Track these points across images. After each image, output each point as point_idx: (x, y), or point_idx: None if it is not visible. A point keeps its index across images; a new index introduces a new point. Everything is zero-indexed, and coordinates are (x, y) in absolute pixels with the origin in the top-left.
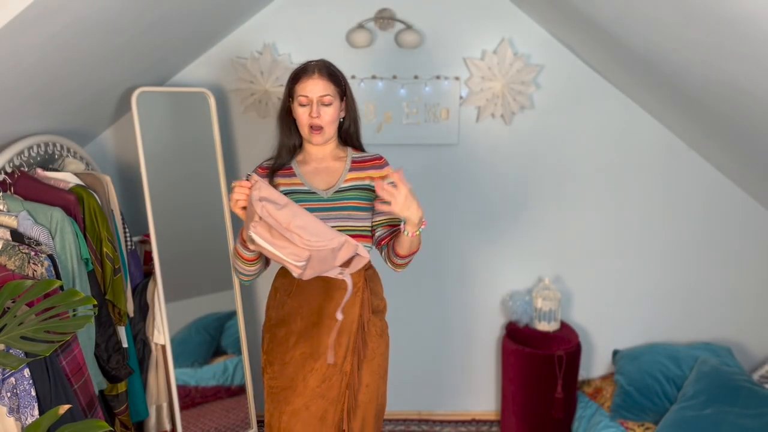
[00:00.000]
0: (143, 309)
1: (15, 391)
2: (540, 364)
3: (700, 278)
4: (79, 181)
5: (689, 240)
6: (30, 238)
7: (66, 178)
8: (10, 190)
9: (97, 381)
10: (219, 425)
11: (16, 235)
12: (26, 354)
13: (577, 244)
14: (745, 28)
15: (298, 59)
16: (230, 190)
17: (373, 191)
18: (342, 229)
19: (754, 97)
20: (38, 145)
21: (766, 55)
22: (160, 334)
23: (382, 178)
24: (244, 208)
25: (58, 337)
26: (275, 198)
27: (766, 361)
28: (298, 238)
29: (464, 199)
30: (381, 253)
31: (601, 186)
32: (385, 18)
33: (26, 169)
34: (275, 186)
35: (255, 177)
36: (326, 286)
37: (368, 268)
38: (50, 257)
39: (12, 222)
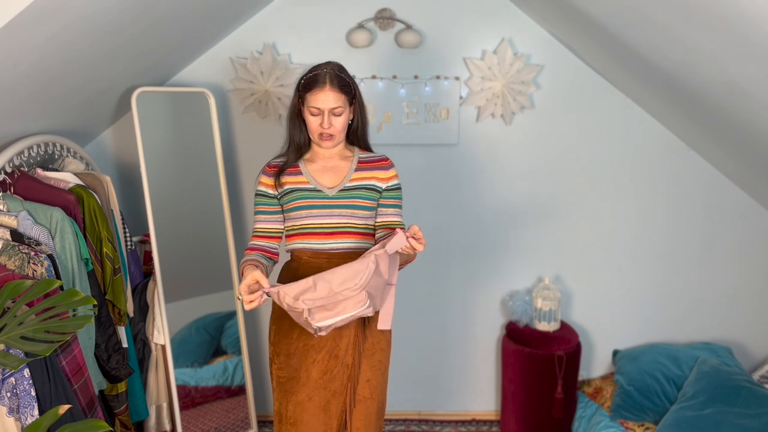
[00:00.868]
0: (143, 309)
1: (15, 391)
2: (540, 364)
3: (700, 278)
4: (79, 181)
5: (689, 240)
6: (30, 238)
7: (66, 178)
8: (10, 190)
9: (97, 381)
10: (219, 425)
11: (16, 235)
12: (26, 354)
13: (577, 244)
14: (745, 28)
15: (298, 59)
16: (239, 298)
17: (378, 191)
18: (345, 227)
19: (754, 97)
20: (38, 145)
21: (765, 55)
22: (160, 334)
23: (388, 179)
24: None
25: (58, 337)
26: (302, 287)
27: (766, 361)
28: (348, 292)
29: (464, 199)
30: None
31: (601, 186)
32: (385, 18)
33: (26, 169)
34: (282, 184)
35: (273, 291)
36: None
37: None
38: (50, 257)
39: (12, 222)
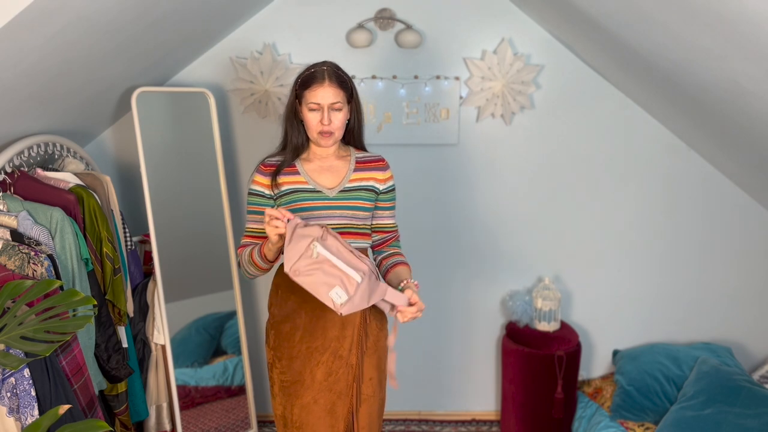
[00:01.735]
0: (143, 309)
1: (15, 391)
2: (540, 364)
3: (700, 278)
4: (79, 181)
5: (689, 240)
6: (30, 238)
7: (66, 178)
8: (10, 190)
9: (97, 381)
10: (219, 425)
11: (16, 235)
12: (26, 354)
13: (577, 243)
14: (745, 27)
15: (298, 59)
16: (266, 221)
17: (376, 192)
18: (345, 228)
19: (754, 97)
20: (38, 145)
21: (766, 55)
22: (160, 334)
23: (386, 180)
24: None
25: (58, 337)
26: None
27: (766, 361)
28: (348, 268)
29: (464, 199)
30: (372, 257)
31: (601, 186)
32: (385, 18)
33: (26, 169)
34: (279, 184)
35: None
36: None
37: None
38: (50, 257)
39: (12, 222)
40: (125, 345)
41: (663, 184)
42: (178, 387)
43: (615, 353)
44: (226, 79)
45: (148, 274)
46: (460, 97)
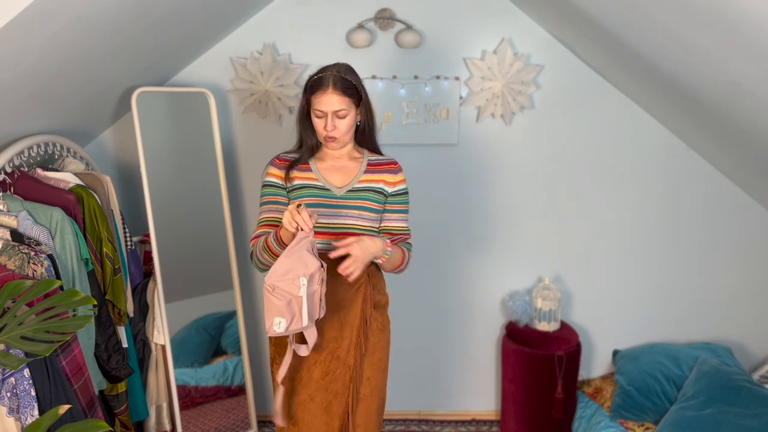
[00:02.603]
0: (143, 309)
1: (15, 391)
2: (540, 364)
3: (700, 278)
4: (79, 181)
5: (689, 240)
6: (30, 238)
7: (66, 178)
8: (10, 190)
9: (97, 381)
10: (219, 425)
11: (16, 235)
12: (26, 354)
13: (577, 244)
14: (745, 27)
15: (298, 59)
16: (293, 212)
17: (385, 195)
18: (352, 228)
19: (754, 97)
20: (38, 145)
21: (766, 55)
22: (160, 334)
23: (395, 183)
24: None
25: (58, 337)
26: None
27: (766, 361)
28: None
29: (464, 199)
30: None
31: (601, 186)
32: (385, 18)
33: (26, 169)
34: (291, 178)
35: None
36: (329, 281)
37: (370, 264)
38: (50, 257)
39: (12, 222)
40: (125, 345)
41: (663, 184)
42: (178, 387)
43: (615, 353)
44: (226, 79)
45: (148, 274)
46: (460, 97)
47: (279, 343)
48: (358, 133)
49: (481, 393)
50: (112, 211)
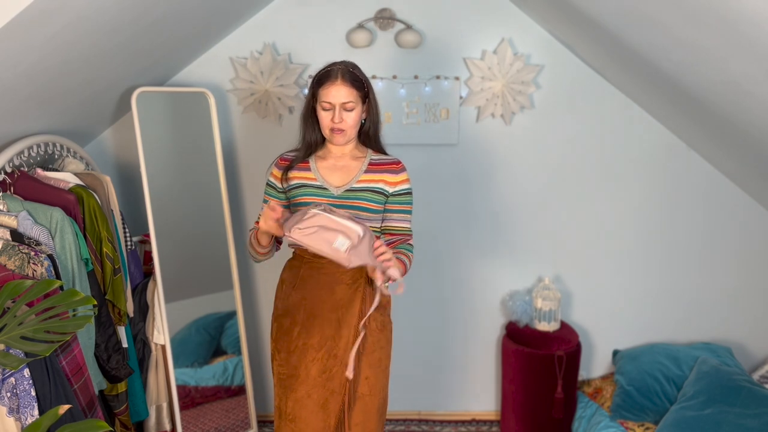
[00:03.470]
0: (143, 309)
1: (15, 391)
2: (540, 364)
3: (700, 278)
4: (79, 181)
5: (689, 240)
6: (30, 238)
7: (66, 178)
8: (10, 190)
9: (97, 381)
10: (219, 425)
11: (16, 235)
12: (26, 354)
13: (577, 244)
14: (745, 27)
15: (298, 59)
16: (262, 207)
17: (385, 195)
18: None
19: (754, 97)
20: (38, 145)
21: (766, 55)
22: (160, 334)
23: (397, 183)
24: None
25: (58, 337)
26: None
27: (766, 361)
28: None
29: (464, 199)
30: None
31: (601, 186)
32: (385, 18)
33: (26, 169)
34: (289, 179)
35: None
36: (328, 280)
37: None
38: (50, 257)
39: (12, 222)
40: (125, 345)
41: (663, 184)
42: (178, 387)
43: (615, 353)
44: (226, 79)
45: (148, 274)
46: (460, 97)
47: (279, 340)
48: (363, 132)
49: (481, 393)
50: (112, 211)
